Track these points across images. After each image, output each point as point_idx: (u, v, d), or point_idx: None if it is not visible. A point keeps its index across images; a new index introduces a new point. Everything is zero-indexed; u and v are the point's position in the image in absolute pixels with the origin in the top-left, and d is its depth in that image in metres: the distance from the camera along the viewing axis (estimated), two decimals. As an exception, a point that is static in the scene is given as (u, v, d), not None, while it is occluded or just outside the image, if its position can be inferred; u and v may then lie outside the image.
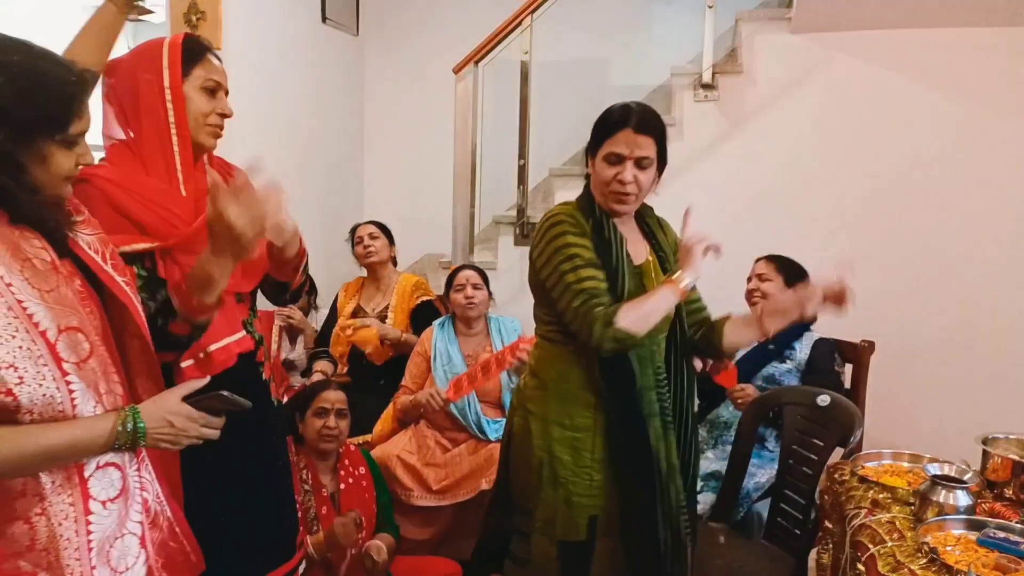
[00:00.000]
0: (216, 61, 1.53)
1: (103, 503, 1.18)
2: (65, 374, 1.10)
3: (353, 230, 3.34)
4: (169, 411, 1.22)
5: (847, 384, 2.75)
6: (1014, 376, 3.12)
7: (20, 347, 1.04)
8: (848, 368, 2.78)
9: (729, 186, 3.42)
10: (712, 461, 2.59)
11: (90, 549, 1.15)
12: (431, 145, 4.32)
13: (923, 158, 3.26)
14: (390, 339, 3.08)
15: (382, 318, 3.18)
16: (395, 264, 3.38)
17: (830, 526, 1.91)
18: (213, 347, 1.50)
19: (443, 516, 2.69)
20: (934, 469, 1.76)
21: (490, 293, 2.94)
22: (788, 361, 2.66)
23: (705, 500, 2.44)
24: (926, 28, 3.19)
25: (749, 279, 2.79)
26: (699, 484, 2.50)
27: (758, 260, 2.81)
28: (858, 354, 2.76)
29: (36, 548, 1.10)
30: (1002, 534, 1.52)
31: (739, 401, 2.56)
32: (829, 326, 2.79)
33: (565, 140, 3.96)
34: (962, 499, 1.63)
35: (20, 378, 1.04)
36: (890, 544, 1.54)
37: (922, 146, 3.26)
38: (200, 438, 1.26)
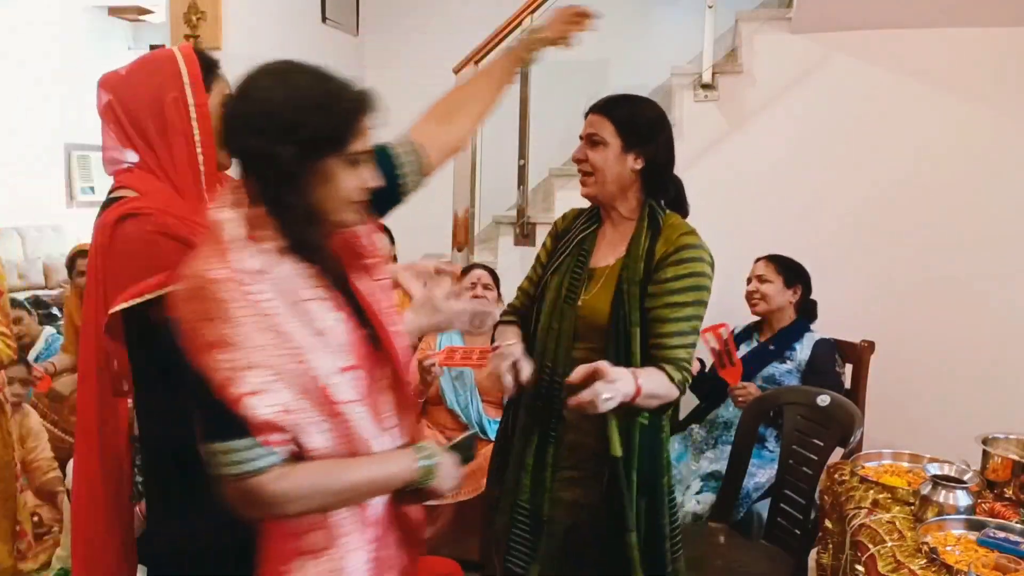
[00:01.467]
0: (224, 74, 1.53)
1: (372, 525, 1.19)
2: (340, 415, 1.11)
3: (353, 230, 3.34)
4: (442, 452, 1.23)
5: (847, 384, 2.75)
6: (1014, 376, 3.12)
7: (298, 394, 1.07)
8: (848, 368, 2.78)
9: (729, 186, 3.42)
10: (712, 461, 2.59)
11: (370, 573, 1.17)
12: (431, 145, 4.31)
13: (923, 158, 3.26)
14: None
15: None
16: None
17: (830, 526, 1.91)
18: None
19: (443, 515, 2.69)
20: (934, 469, 1.76)
21: (500, 295, 2.96)
22: (788, 361, 2.66)
23: (705, 500, 2.44)
24: (927, 28, 3.19)
25: (749, 280, 2.79)
26: (699, 484, 2.51)
27: (757, 260, 2.81)
28: (858, 354, 2.76)
29: None
30: (1002, 534, 1.53)
31: (740, 399, 2.55)
32: (830, 326, 2.80)
33: (565, 140, 3.94)
34: (962, 499, 1.63)
35: (297, 423, 1.06)
36: (890, 544, 1.54)
37: (922, 146, 3.26)
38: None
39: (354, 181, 1.14)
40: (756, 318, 2.83)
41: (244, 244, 1.08)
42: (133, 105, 1.41)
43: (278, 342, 1.05)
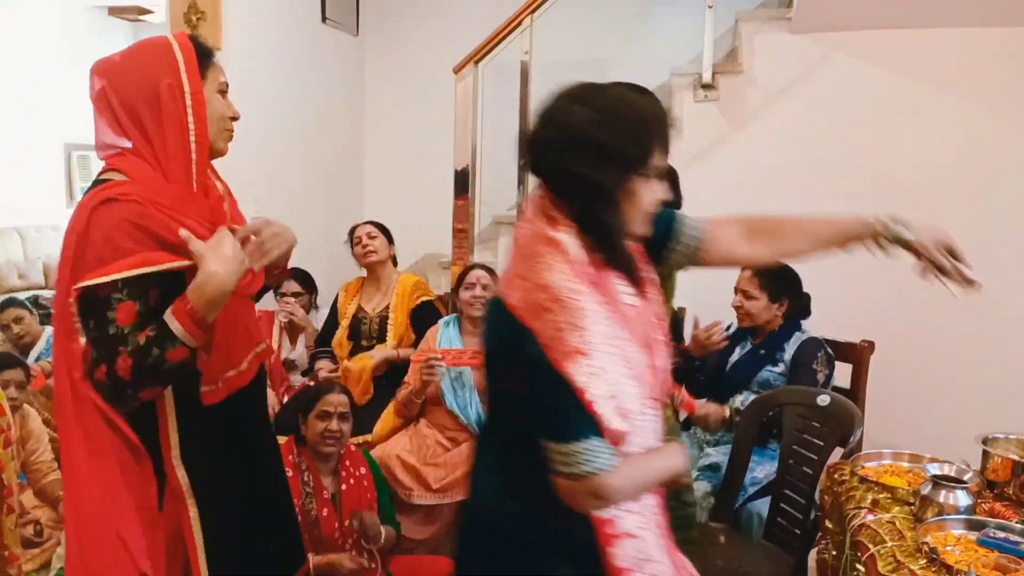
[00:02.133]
0: (219, 61, 1.51)
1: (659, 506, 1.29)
2: (648, 413, 1.23)
3: (352, 231, 3.35)
4: None
5: (847, 384, 2.74)
6: (1014, 376, 3.11)
7: (631, 393, 1.18)
8: (848, 368, 2.77)
9: (729, 186, 3.41)
10: (712, 457, 2.59)
11: (668, 552, 1.29)
12: (431, 145, 4.32)
13: (923, 158, 3.26)
14: (388, 359, 3.09)
15: (382, 318, 3.18)
16: (395, 264, 3.38)
17: (830, 526, 1.91)
18: (245, 362, 1.50)
19: (443, 515, 2.69)
20: (934, 469, 1.76)
21: None
22: (780, 363, 2.61)
23: (699, 488, 2.45)
24: (926, 28, 3.19)
25: (735, 290, 2.71)
26: (696, 474, 2.52)
27: (743, 271, 2.70)
28: (858, 354, 2.75)
29: (650, 559, 1.23)
30: (1002, 534, 1.52)
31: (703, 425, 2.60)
32: (830, 326, 2.79)
33: (565, 140, 3.95)
34: (962, 499, 1.63)
35: (633, 422, 1.17)
36: (890, 544, 1.54)
37: (922, 146, 3.26)
38: None
39: (652, 195, 1.22)
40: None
41: (585, 260, 1.18)
42: (127, 91, 1.39)
43: (617, 349, 1.16)
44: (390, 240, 3.31)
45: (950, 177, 3.24)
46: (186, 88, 1.40)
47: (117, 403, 1.34)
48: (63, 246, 1.38)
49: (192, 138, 1.41)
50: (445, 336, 2.89)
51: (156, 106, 1.38)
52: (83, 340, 1.32)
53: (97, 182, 1.40)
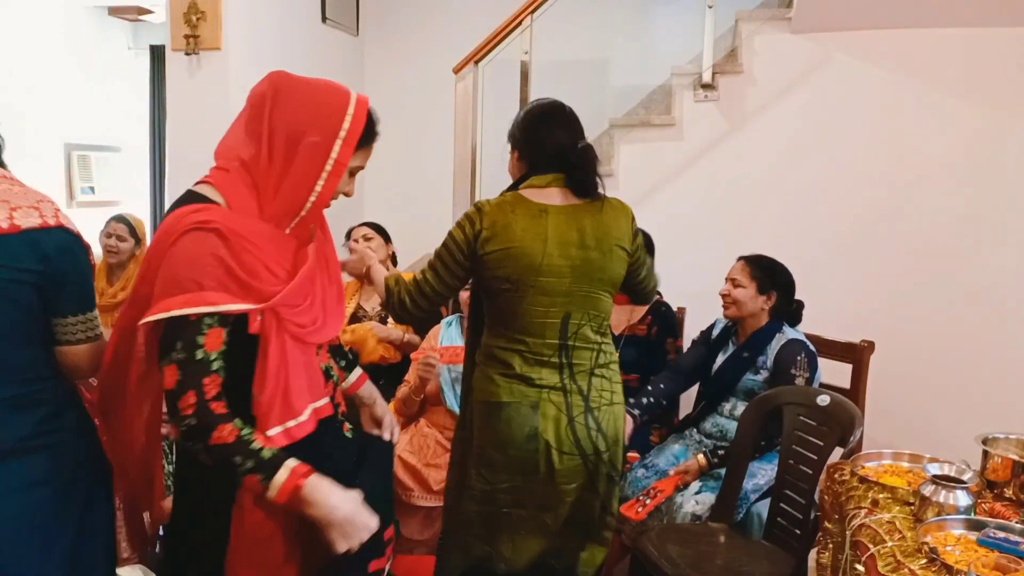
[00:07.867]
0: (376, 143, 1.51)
1: None
2: None
3: (348, 232, 3.34)
4: None
5: (847, 384, 2.73)
6: (1014, 376, 3.12)
7: None
8: (848, 368, 2.76)
9: (728, 186, 3.42)
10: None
11: None
12: (431, 145, 4.32)
13: (923, 158, 3.27)
14: (391, 340, 3.07)
15: (382, 318, 3.18)
16: (395, 263, 3.37)
17: (830, 526, 1.91)
18: (306, 413, 1.43)
19: (441, 518, 2.69)
20: (934, 469, 1.76)
21: None
22: (761, 371, 2.55)
23: (704, 500, 2.44)
24: (926, 28, 3.19)
25: (727, 279, 2.64)
26: (698, 484, 2.50)
27: (738, 260, 2.65)
28: (858, 354, 2.75)
29: None
30: (1002, 534, 1.53)
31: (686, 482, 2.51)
32: (830, 326, 2.80)
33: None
34: (962, 499, 1.63)
35: None
36: (890, 544, 1.54)
37: (922, 146, 3.27)
38: None
39: None
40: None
41: None
42: (282, 114, 1.37)
43: None
44: (387, 240, 3.30)
45: (950, 176, 3.24)
46: (333, 156, 1.38)
47: (190, 439, 1.31)
48: (150, 252, 1.36)
49: (312, 199, 1.39)
50: (447, 335, 2.89)
51: (293, 149, 1.36)
52: (164, 363, 1.31)
53: (191, 195, 1.38)
